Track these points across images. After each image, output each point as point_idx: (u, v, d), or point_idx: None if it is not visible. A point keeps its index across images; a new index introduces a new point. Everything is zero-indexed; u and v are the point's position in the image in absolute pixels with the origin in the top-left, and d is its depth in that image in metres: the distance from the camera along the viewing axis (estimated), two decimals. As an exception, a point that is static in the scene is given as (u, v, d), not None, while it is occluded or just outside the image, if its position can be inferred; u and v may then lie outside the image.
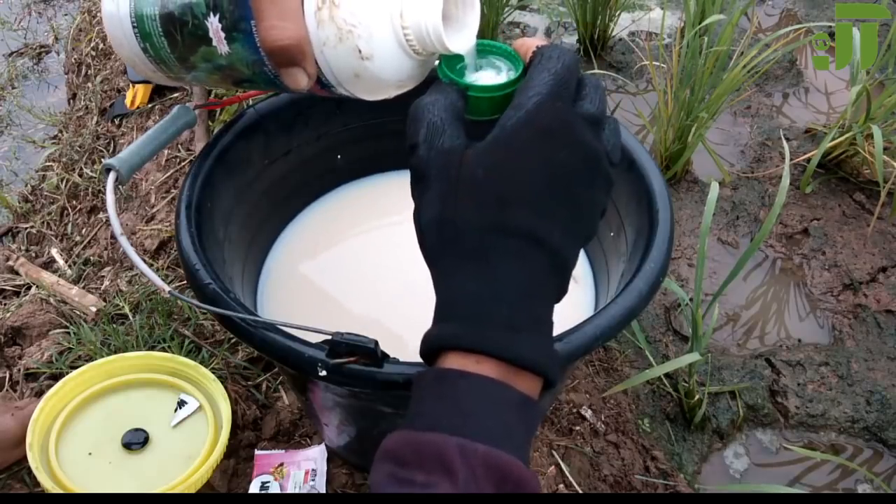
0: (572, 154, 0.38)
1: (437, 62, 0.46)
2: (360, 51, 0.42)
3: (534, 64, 0.40)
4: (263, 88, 0.51)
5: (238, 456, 0.89)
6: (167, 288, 0.52)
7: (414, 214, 0.40)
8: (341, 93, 0.47)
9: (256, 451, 0.87)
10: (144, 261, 1.16)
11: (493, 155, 0.37)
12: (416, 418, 0.37)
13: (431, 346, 0.38)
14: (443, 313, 0.39)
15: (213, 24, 0.46)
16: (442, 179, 0.38)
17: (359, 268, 0.75)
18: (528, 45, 0.41)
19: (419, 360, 0.48)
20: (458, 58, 0.44)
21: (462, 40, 0.43)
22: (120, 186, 1.35)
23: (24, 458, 0.79)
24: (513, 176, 0.37)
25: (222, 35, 0.46)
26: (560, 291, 0.39)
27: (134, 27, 0.51)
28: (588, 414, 1.02)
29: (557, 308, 0.40)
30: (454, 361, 0.37)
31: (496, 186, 0.37)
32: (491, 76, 0.43)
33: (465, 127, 0.40)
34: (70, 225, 1.47)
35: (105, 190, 0.57)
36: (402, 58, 0.44)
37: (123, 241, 0.53)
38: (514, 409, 0.36)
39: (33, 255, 1.40)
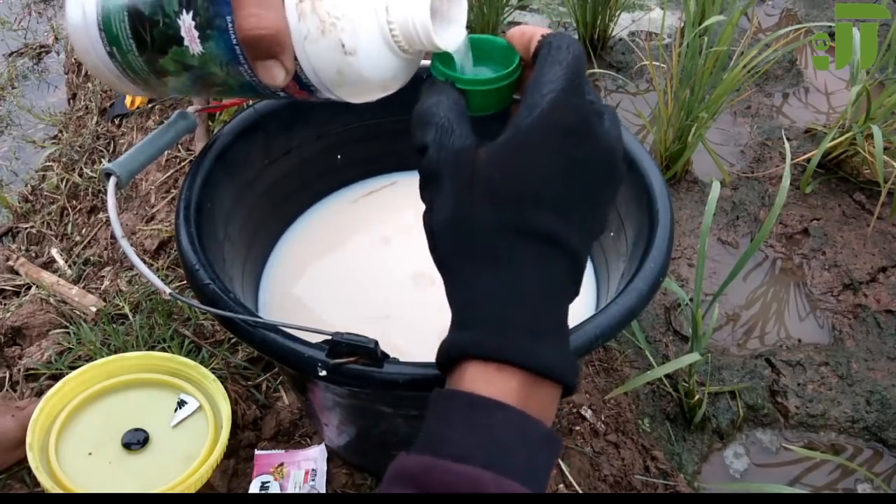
0: (592, 152, 0.36)
1: (426, 61, 0.44)
2: (343, 45, 0.41)
3: (542, 56, 0.38)
4: (237, 94, 0.48)
5: (238, 456, 0.89)
6: (167, 290, 0.52)
7: (424, 217, 0.39)
8: (321, 96, 0.45)
9: (256, 451, 0.87)
10: (144, 261, 1.16)
11: (510, 154, 0.36)
12: (442, 444, 0.34)
13: (451, 354, 0.37)
14: (461, 319, 0.37)
15: (186, 21, 0.43)
16: (455, 180, 0.37)
17: (359, 268, 0.75)
18: (529, 33, 0.39)
19: (419, 360, 0.48)
20: (449, 54, 0.42)
21: (451, 37, 0.42)
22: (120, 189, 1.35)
23: (25, 459, 0.79)
24: (531, 175, 0.36)
25: (195, 34, 0.43)
26: (575, 293, 0.38)
27: (101, 30, 0.47)
28: (588, 414, 1.02)
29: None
30: (476, 370, 0.35)
31: (514, 186, 0.36)
32: (483, 69, 0.42)
33: (470, 125, 0.39)
34: (70, 225, 1.47)
35: (105, 192, 0.57)
36: (388, 55, 0.42)
37: (125, 245, 0.53)
38: (544, 447, 0.35)
39: (33, 255, 1.40)
